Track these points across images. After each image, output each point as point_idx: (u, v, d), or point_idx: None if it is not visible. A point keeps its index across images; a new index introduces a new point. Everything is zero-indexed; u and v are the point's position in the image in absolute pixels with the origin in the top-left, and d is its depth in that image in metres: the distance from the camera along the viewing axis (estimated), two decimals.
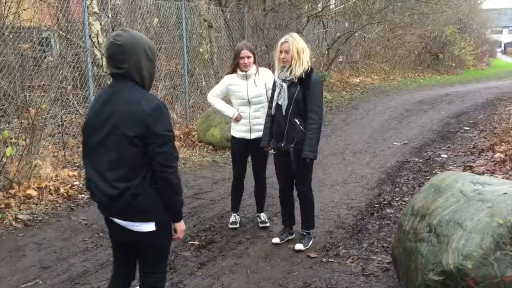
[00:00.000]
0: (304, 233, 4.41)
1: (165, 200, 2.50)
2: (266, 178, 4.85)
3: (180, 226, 2.63)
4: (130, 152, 2.41)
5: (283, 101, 4.12)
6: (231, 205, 4.92)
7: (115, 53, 2.43)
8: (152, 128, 2.38)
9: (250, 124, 4.58)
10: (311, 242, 4.39)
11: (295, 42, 4.08)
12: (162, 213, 2.53)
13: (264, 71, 4.68)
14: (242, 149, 4.69)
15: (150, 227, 2.51)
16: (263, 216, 4.89)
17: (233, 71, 4.61)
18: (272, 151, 4.36)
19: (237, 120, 4.61)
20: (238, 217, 4.88)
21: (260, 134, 4.47)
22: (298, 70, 4.06)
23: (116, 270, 2.82)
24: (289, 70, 4.10)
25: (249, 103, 4.56)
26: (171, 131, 2.47)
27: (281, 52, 4.12)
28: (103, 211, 2.60)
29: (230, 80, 4.61)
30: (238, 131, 4.65)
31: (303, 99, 4.09)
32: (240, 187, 4.84)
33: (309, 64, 4.12)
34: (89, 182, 2.54)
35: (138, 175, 2.43)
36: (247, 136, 4.61)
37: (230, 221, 4.85)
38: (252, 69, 4.57)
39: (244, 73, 4.54)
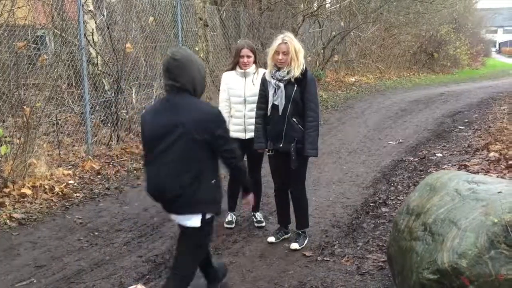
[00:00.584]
0: (299, 232, 4.41)
1: (240, 181, 3.16)
2: (261, 177, 4.85)
3: (250, 196, 3.19)
4: (197, 154, 2.79)
5: (280, 101, 4.09)
6: (227, 204, 4.92)
7: (174, 68, 2.79)
8: (216, 132, 2.80)
9: (245, 124, 4.56)
10: (306, 241, 4.40)
11: (293, 42, 4.04)
12: (211, 207, 2.91)
13: (263, 72, 4.66)
14: None
15: (196, 222, 2.86)
16: (258, 215, 4.89)
17: (233, 68, 4.61)
18: (269, 152, 4.30)
19: None
20: (234, 216, 4.88)
21: None
22: (298, 71, 4.04)
23: None
24: (287, 71, 4.07)
25: (245, 101, 4.55)
26: (228, 131, 2.98)
27: (278, 53, 4.05)
28: (165, 208, 2.97)
29: (228, 77, 4.61)
30: (233, 131, 4.62)
31: (300, 98, 4.07)
32: (236, 187, 4.80)
33: (304, 63, 4.11)
34: (153, 185, 2.86)
35: (202, 173, 2.82)
36: (242, 136, 4.59)
37: (226, 220, 4.84)
38: (252, 68, 4.56)
39: (243, 71, 4.54)
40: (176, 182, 2.77)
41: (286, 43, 4.03)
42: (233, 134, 4.61)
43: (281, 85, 4.08)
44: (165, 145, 2.77)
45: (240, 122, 4.58)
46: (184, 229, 2.97)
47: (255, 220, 4.87)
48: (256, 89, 4.48)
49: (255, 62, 4.59)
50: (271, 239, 4.45)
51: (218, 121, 2.85)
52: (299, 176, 4.28)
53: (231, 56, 4.76)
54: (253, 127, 4.42)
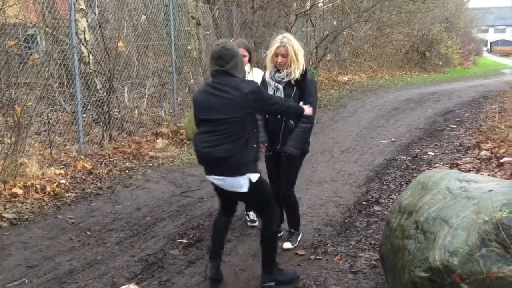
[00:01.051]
0: (292, 231, 4.42)
1: (296, 112, 3.80)
2: None
3: (308, 110, 3.84)
4: (245, 125, 3.30)
5: None
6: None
7: (224, 55, 3.32)
8: (259, 100, 3.36)
9: None
10: (299, 239, 4.40)
11: (292, 43, 3.97)
12: (254, 166, 3.38)
13: (258, 72, 4.65)
14: None
15: (244, 187, 3.35)
16: (251, 214, 4.89)
17: None
18: (267, 152, 4.28)
19: None
20: None
21: None
22: (298, 72, 3.99)
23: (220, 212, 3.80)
24: (288, 72, 4.01)
25: None
26: (265, 92, 3.67)
27: (277, 55, 3.99)
28: (212, 173, 3.40)
29: None
30: None
31: (299, 100, 4.05)
32: None
33: (304, 64, 4.07)
34: (206, 151, 3.32)
35: (248, 140, 3.31)
36: None
37: None
38: (246, 67, 4.55)
39: None
40: (226, 149, 3.26)
41: (284, 45, 3.96)
42: None
43: (280, 86, 4.04)
44: (216, 119, 3.27)
45: None
46: (238, 195, 3.43)
47: (248, 219, 4.87)
48: None
49: (249, 61, 4.59)
50: None
51: (257, 92, 3.35)
52: (292, 175, 4.27)
53: None
54: None
